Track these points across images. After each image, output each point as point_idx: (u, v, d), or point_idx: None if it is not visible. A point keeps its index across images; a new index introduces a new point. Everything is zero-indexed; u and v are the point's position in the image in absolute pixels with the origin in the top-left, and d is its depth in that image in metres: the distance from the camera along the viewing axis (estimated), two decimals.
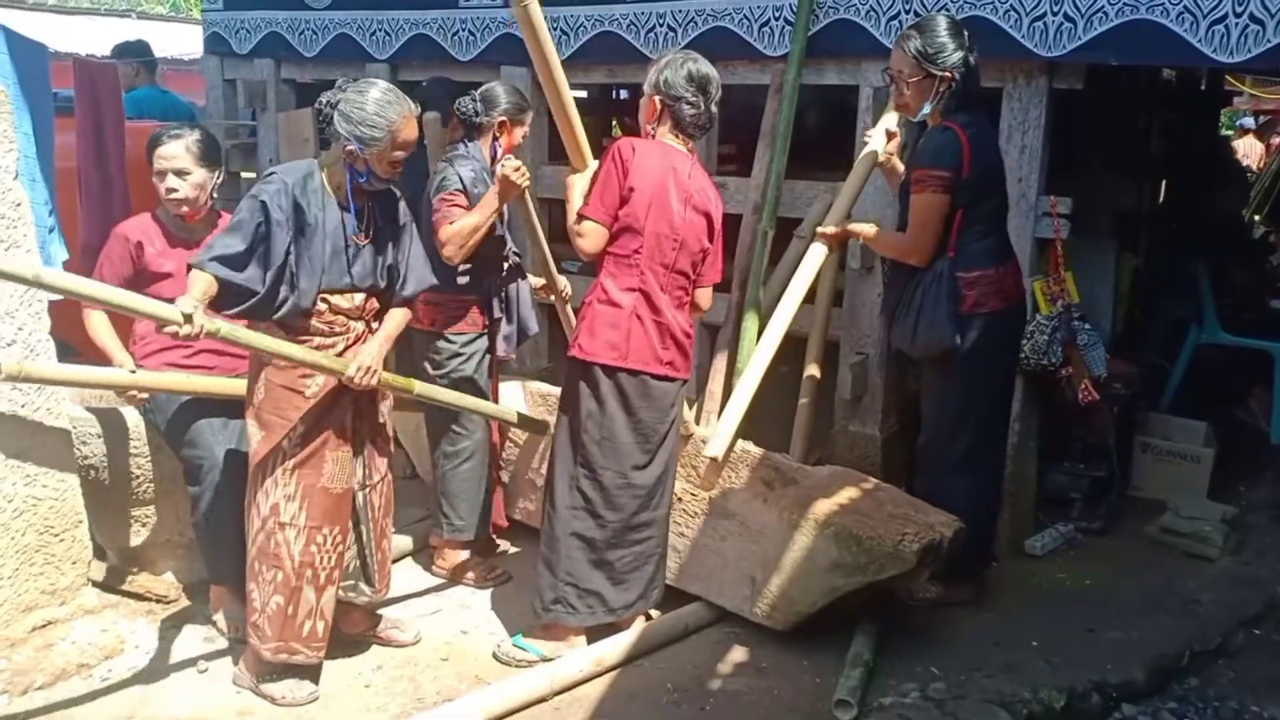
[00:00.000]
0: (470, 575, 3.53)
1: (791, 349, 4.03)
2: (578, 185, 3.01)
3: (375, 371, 2.73)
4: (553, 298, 3.65)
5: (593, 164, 3.04)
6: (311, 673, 2.86)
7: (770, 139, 3.92)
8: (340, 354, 2.76)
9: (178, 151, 3.07)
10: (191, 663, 2.98)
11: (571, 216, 2.97)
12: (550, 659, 3.00)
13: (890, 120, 3.38)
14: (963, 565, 3.29)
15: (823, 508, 3.09)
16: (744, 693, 2.86)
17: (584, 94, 6.57)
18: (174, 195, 3.08)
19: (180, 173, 3.07)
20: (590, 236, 2.89)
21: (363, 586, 2.97)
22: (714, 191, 3.03)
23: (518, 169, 3.15)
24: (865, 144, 3.41)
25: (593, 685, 2.91)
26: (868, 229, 3.34)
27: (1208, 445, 4.29)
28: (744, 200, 4.04)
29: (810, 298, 3.62)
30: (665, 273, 2.92)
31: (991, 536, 3.52)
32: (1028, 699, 2.84)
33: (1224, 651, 3.20)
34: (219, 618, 3.14)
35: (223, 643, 3.08)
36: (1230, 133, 11.28)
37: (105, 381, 2.93)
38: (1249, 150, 10.57)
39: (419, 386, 3.03)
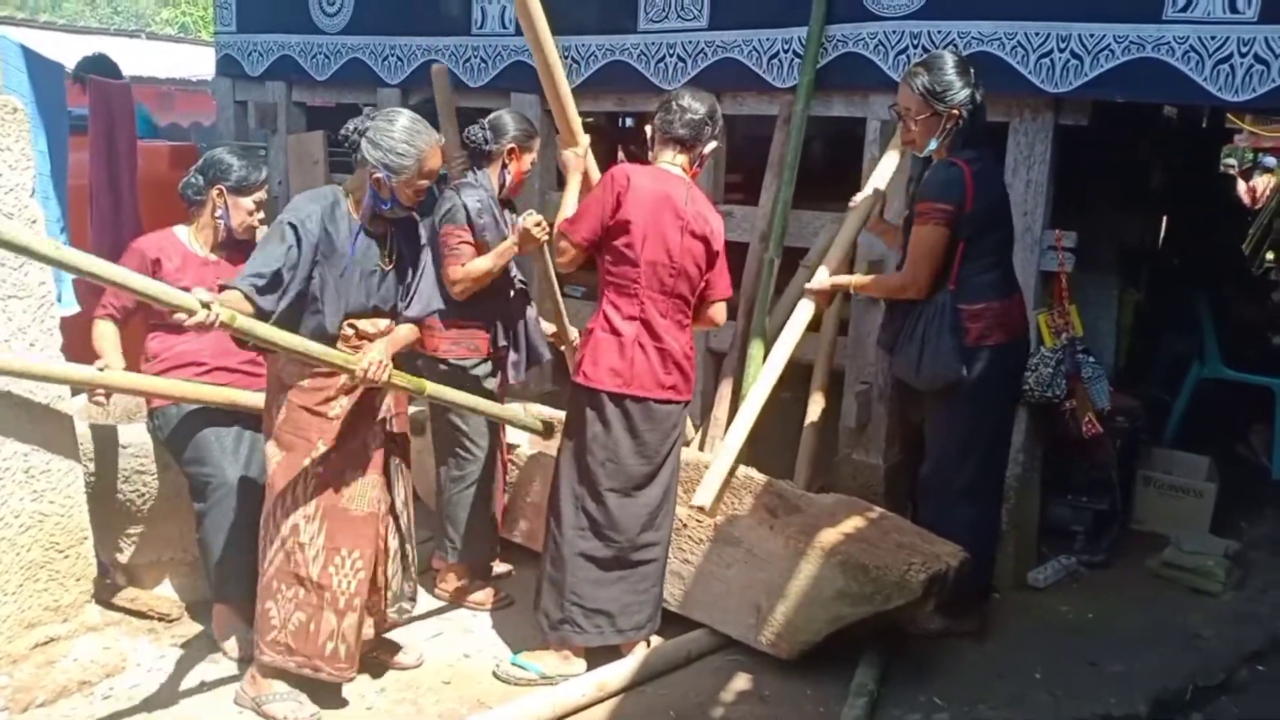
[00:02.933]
0: (473, 598, 3.53)
1: (796, 376, 4.06)
2: (571, 165, 3.14)
3: (386, 366, 2.71)
4: (563, 347, 3.69)
5: (584, 139, 3.14)
6: (315, 692, 2.84)
7: (778, 169, 3.96)
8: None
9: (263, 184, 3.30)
10: (193, 682, 2.97)
11: (561, 209, 3.05)
12: (550, 677, 3.01)
13: (881, 178, 3.44)
14: (966, 598, 3.29)
15: (829, 536, 3.09)
16: None
17: (590, 119, 6.63)
18: (257, 223, 3.26)
19: (260, 204, 3.25)
20: (565, 255, 2.98)
21: (405, 605, 3.01)
22: (713, 214, 3.06)
23: (539, 224, 3.22)
24: (851, 209, 3.47)
25: (594, 711, 2.90)
26: (859, 279, 3.40)
27: (1210, 480, 4.30)
28: (750, 229, 4.07)
29: (815, 326, 3.66)
30: (665, 299, 2.96)
31: (991, 567, 3.52)
32: None
33: (1227, 687, 3.18)
34: (223, 637, 3.13)
35: (226, 662, 3.08)
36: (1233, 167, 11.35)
37: (68, 376, 2.91)
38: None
39: (430, 387, 3.01)
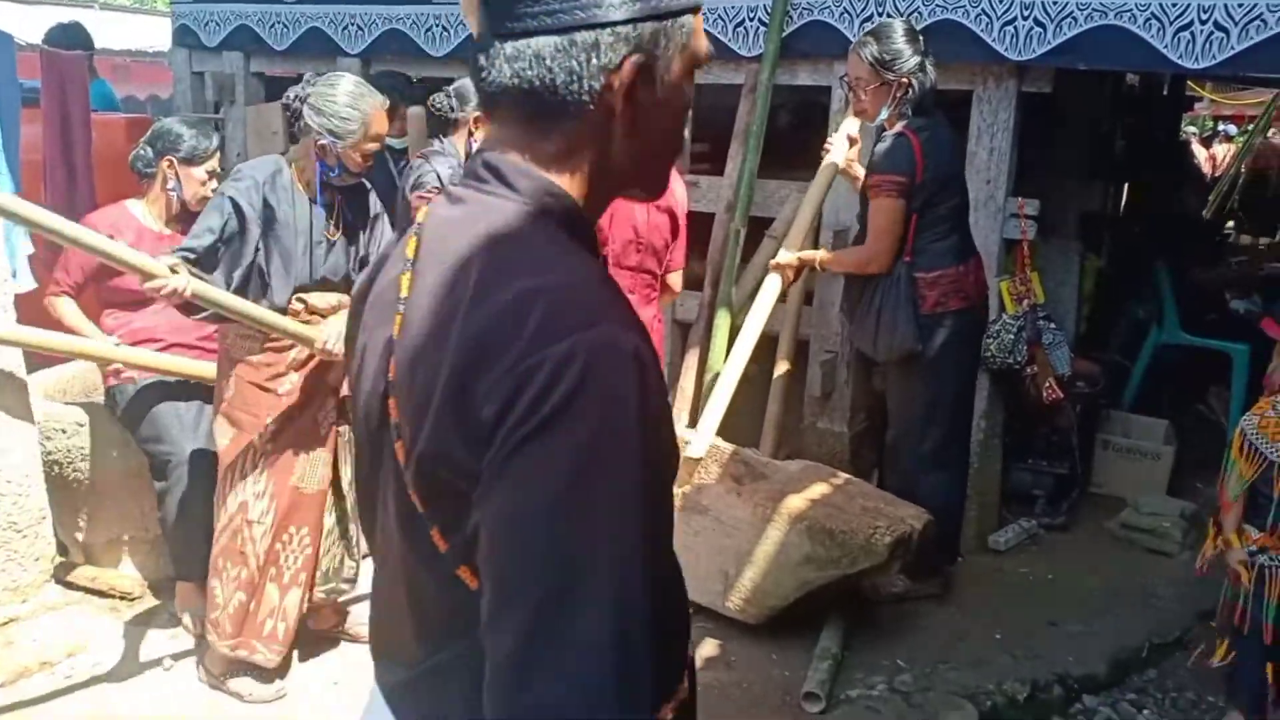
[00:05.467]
0: None
1: (762, 346, 4.07)
2: None
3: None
4: None
5: None
6: (279, 670, 2.84)
7: (743, 138, 3.95)
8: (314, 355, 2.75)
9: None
10: (156, 660, 2.96)
11: None
12: None
13: (851, 125, 3.43)
14: (930, 560, 3.33)
15: (795, 502, 3.12)
16: (714, 686, 2.88)
17: None
18: (210, 194, 3.12)
19: (213, 174, 3.14)
20: None
21: (343, 585, 2.97)
22: (678, 184, 3.04)
23: None
24: (826, 154, 3.45)
25: None
26: (824, 255, 3.40)
27: (1168, 443, 4.37)
28: (717, 199, 4.06)
29: (782, 296, 3.67)
30: (632, 274, 2.95)
31: (957, 532, 3.57)
32: (991, 691, 2.89)
33: (1182, 644, 3.27)
34: (184, 615, 3.11)
35: (188, 640, 3.06)
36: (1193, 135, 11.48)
37: (88, 351, 2.90)
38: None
39: None
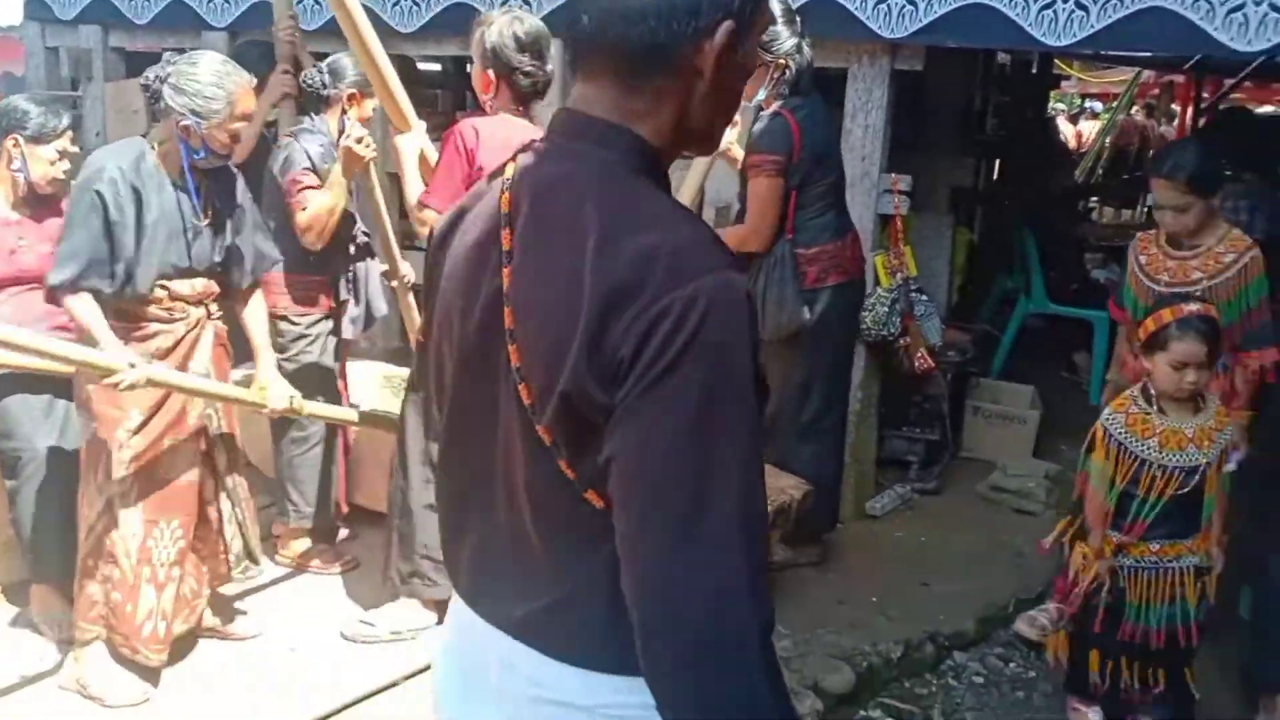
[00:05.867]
0: (316, 562, 3.45)
1: None
2: (406, 151, 2.95)
3: (293, 397, 2.85)
4: (394, 284, 3.57)
5: (418, 125, 2.98)
6: (149, 673, 2.74)
7: None
8: (180, 339, 2.66)
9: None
10: (13, 666, 2.82)
11: (407, 189, 2.91)
12: (401, 632, 2.98)
13: None
14: (809, 528, 3.42)
15: None
16: None
17: (438, 67, 6.45)
18: (61, 175, 2.95)
19: (63, 154, 2.93)
20: (433, 225, 2.84)
21: (251, 569, 2.93)
22: None
23: (361, 140, 3.06)
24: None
25: None
26: None
27: (1033, 408, 4.59)
28: None
29: None
30: None
31: (836, 500, 3.67)
32: (868, 652, 2.99)
33: (1044, 599, 3.43)
34: (42, 619, 2.97)
35: (47, 646, 2.92)
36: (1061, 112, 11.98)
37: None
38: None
39: (307, 408, 3.04)
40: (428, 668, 2.83)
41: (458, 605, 1.19)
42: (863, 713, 2.85)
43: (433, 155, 3.06)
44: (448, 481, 1.19)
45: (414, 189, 2.88)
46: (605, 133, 1.03)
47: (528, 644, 1.09)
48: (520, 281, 1.02)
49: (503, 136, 2.83)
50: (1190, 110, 8.67)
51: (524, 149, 1.11)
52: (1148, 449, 2.45)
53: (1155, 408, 2.48)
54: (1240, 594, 3.08)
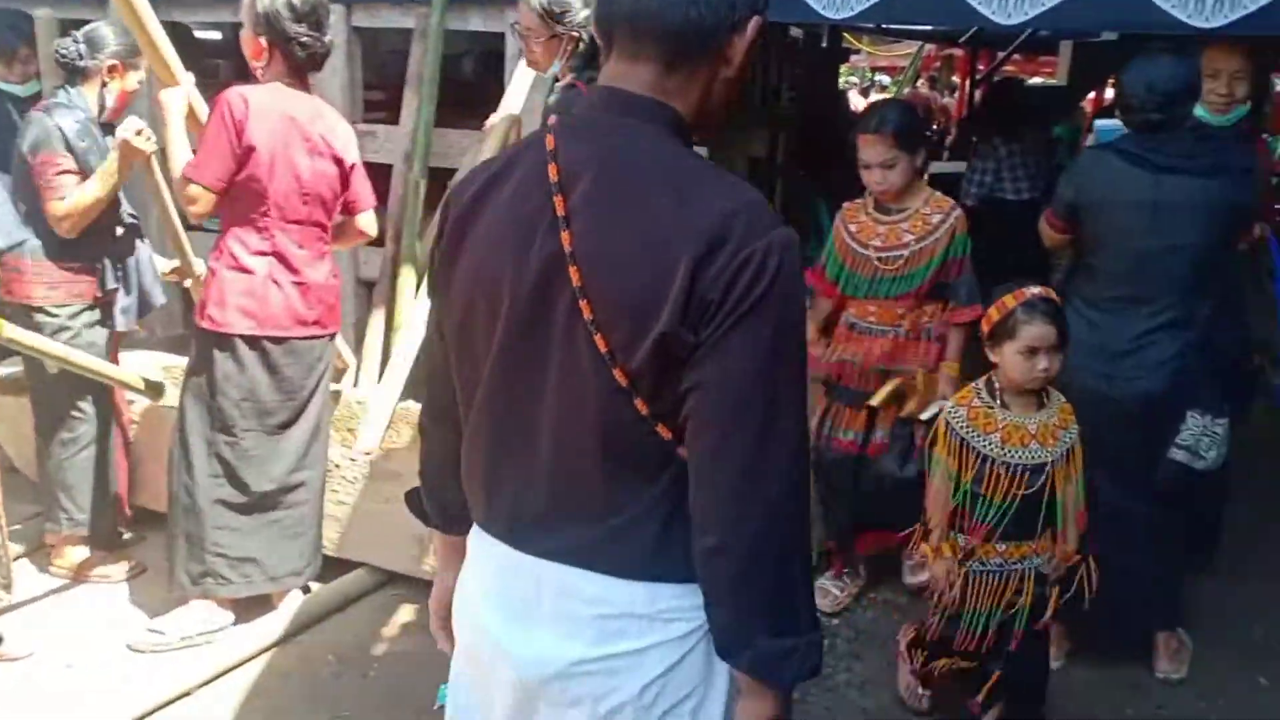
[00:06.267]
0: (97, 571, 3.18)
1: None
2: (172, 108, 2.76)
3: None
4: (187, 283, 3.34)
5: (186, 78, 2.79)
6: None
7: (417, 86, 3.80)
8: None
9: None
10: None
11: (172, 153, 2.72)
12: (192, 638, 2.82)
13: (515, 101, 3.41)
14: None
15: None
16: (413, 653, 2.83)
17: (218, 35, 6.03)
18: None
19: None
20: (201, 202, 2.66)
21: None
22: (341, 125, 2.88)
23: (140, 133, 2.83)
24: (487, 131, 3.42)
25: (246, 669, 2.75)
26: None
27: None
28: (395, 150, 3.90)
29: None
30: (300, 229, 2.77)
31: None
32: None
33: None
34: None
35: None
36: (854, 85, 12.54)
37: None
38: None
39: (6, 330, 2.65)
40: (225, 672, 2.69)
41: (495, 549, 1.28)
42: None
43: (203, 110, 2.87)
44: (483, 440, 1.26)
45: (180, 154, 2.70)
46: (653, 109, 1.17)
47: (588, 568, 1.20)
48: (590, 242, 1.12)
49: (276, 108, 2.68)
50: (968, 82, 9.23)
51: (560, 124, 1.19)
52: (990, 445, 2.30)
53: (999, 402, 2.33)
54: None
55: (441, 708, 2.57)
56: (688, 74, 1.17)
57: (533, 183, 1.17)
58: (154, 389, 3.26)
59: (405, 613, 3.03)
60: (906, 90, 10.72)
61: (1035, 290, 2.29)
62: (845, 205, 3.09)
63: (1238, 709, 2.69)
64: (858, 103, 10.76)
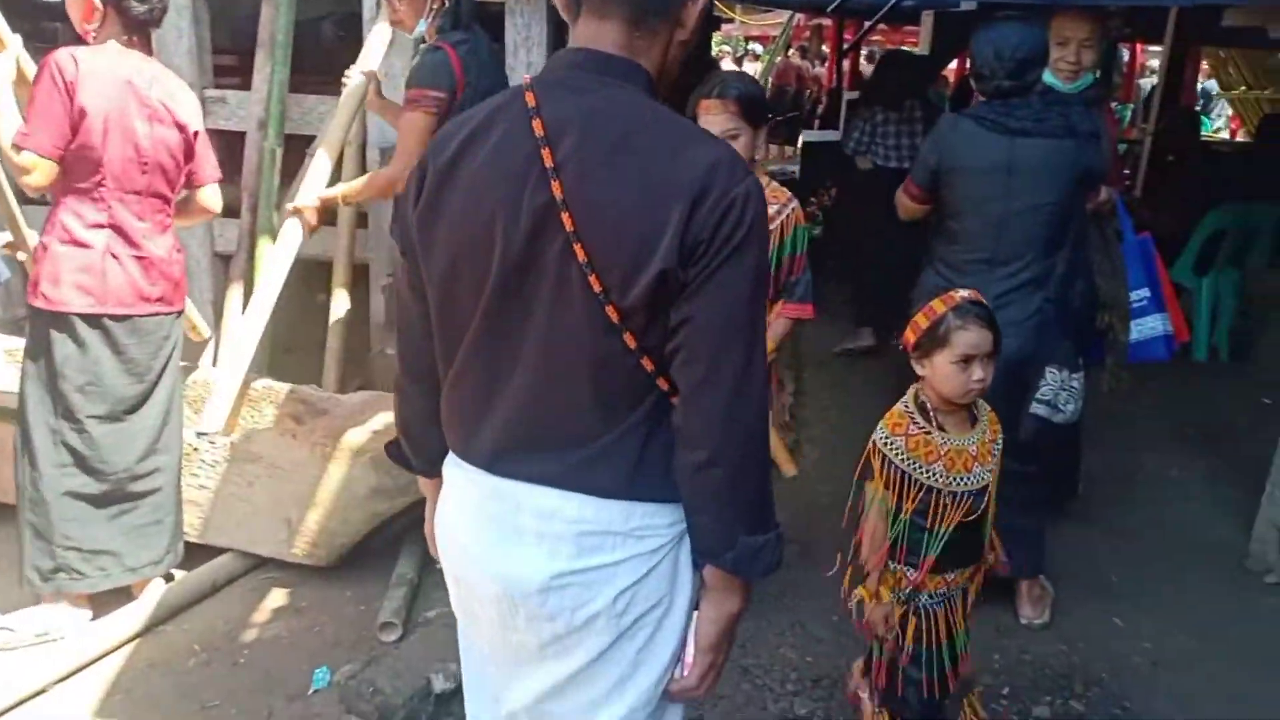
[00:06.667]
0: None
1: (318, 276, 3.86)
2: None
3: None
4: (21, 256, 3.09)
5: (13, 40, 2.58)
6: None
7: (269, 49, 3.62)
8: None
9: None
10: None
11: (1, 122, 2.51)
12: (47, 634, 2.66)
13: (374, 57, 3.28)
14: None
15: (358, 435, 3.01)
16: (283, 636, 2.73)
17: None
18: None
19: None
20: (38, 171, 2.46)
21: None
22: (184, 93, 2.71)
23: None
24: (345, 85, 3.28)
25: (107, 662, 2.60)
26: (350, 188, 3.23)
27: None
28: (248, 116, 3.71)
29: (331, 220, 3.47)
30: (139, 200, 2.60)
31: None
32: None
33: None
34: None
35: None
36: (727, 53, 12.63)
37: None
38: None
39: None
40: (83, 667, 2.55)
41: (476, 477, 1.37)
42: None
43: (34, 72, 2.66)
44: (470, 380, 1.35)
45: (8, 123, 2.49)
46: (627, 68, 1.27)
47: (571, 490, 1.30)
48: (581, 191, 1.21)
49: (111, 71, 2.51)
50: (834, 51, 9.41)
51: (538, 82, 1.27)
52: (934, 475, 2.05)
53: (935, 425, 2.09)
54: None
55: (318, 691, 2.50)
56: (650, 34, 1.28)
57: (516, 138, 1.25)
58: None
59: (276, 597, 2.92)
60: (778, 59, 10.86)
61: (964, 293, 2.10)
62: None
63: (1096, 650, 2.82)
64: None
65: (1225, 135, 11.79)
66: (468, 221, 1.28)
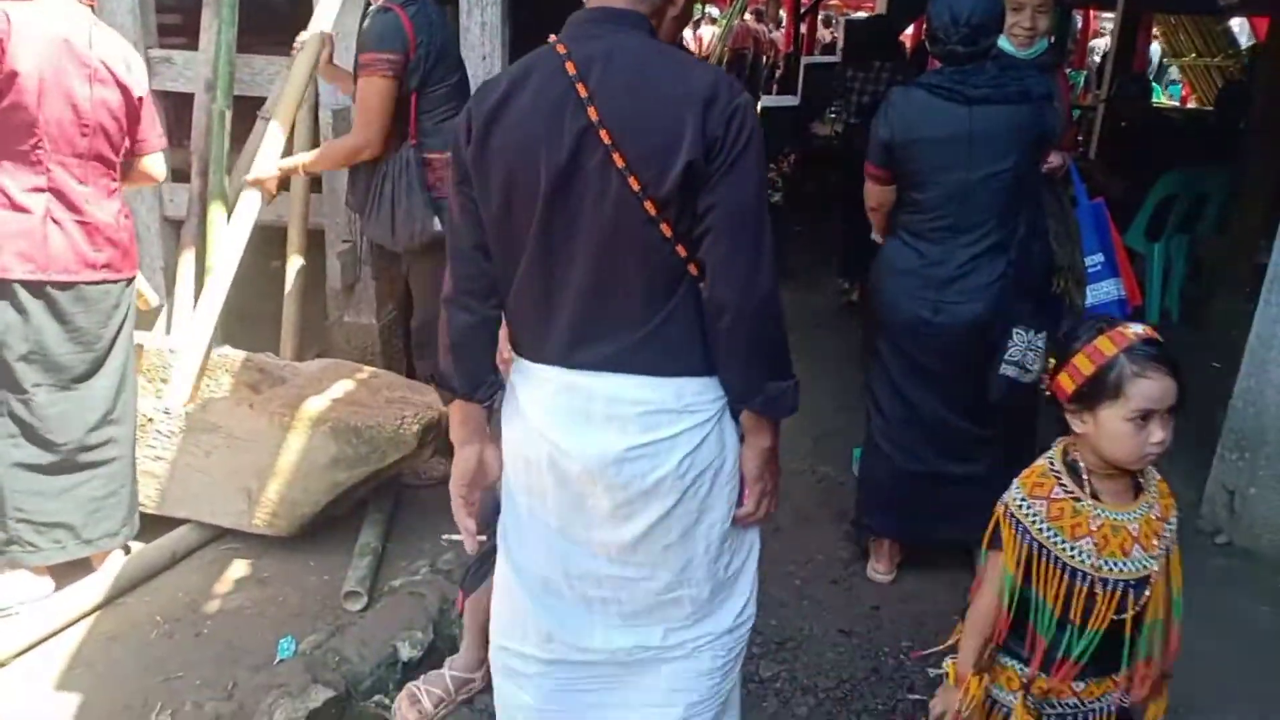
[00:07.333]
0: None
1: (273, 241, 3.78)
2: None
3: None
4: None
5: None
6: None
7: (215, 6, 3.51)
8: None
9: None
10: None
11: None
12: (7, 608, 2.62)
13: (325, 19, 3.20)
14: None
15: (316, 404, 2.97)
16: (246, 607, 2.71)
17: None
18: None
19: None
20: None
21: None
22: (129, 55, 2.63)
23: None
24: (296, 51, 3.21)
25: (67, 635, 2.56)
26: (309, 157, 3.17)
27: None
28: (196, 77, 3.61)
29: (285, 185, 3.40)
30: (81, 163, 2.52)
31: None
32: None
33: None
34: None
35: None
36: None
37: None
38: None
39: None
40: (42, 640, 2.51)
41: (550, 374, 1.62)
42: None
43: None
44: (533, 288, 1.60)
45: None
46: (637, 19, 1.58)
47: (629, 372, 1.58)
48: (613, 111, 1.49)
49: (44, 28, 2.41)
50: (791, 15, 9.37)
51: (565, 35, 1.56)
52: (1081, 554, 1.65)
53: (1089, 491, 1.69)
54: (852, 454, 3.49)
55: (283, 661, 2.48)
56: (652, 4, 1.59)
57: (551, 80, 1.52)
58: None
59: (238, 568, 2.89)
60: (736, 22, 10.79)
61: (1138, 329, 1.66)
62: None
63: None
64: (687, 35, 10.76)
65: (1176, 104, 11.95)
66: (517, 151, 1.53)
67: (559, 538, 1.70)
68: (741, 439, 1.68)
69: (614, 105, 1.49)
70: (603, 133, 1.48)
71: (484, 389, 1.68)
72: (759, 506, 1.72)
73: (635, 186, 1.49)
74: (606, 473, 1.60)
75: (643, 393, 1.58)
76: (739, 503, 1.70)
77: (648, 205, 1.50)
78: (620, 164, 1.48)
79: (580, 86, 1.50)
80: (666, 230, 1.52)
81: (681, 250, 1.54)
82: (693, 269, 1.55)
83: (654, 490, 1.61)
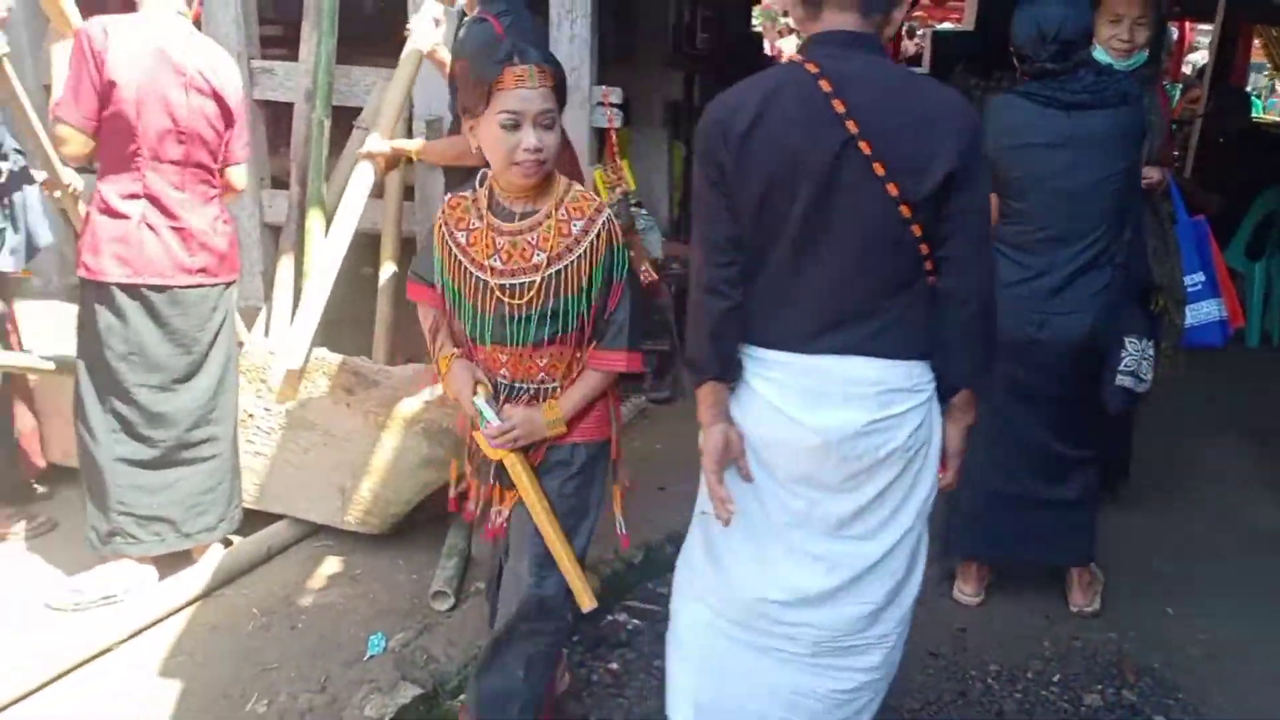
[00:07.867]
0: (2, 531, 3.04)
1: (367, 247, 3.88)
2: (57, 58, 2.58)
3: None
4: (58, 194, 3.14)
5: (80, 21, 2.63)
6: None
7: (315, 19, 3.62)
8: None
9: None
10: None
11: (54, 88, 2.56)
12: (114, 596, 2.72)
13: (434, 8, 3.27)
14: None
15: (409, 406, 3.04)
16: (338, 603, 2.78)
17: None
18: None
19: None
20: (72, 143, 2.53)
21: None
22: (224, 64, 2.73)
23: None
24: (407, 35, 3.28)
25: (169, 624, 2.67)
26: (419, 144, 3.26)
27: None
28: (295, 88, 3.73)
29: (380, 192, 3.49)
30: (177, 170, 2.63)
31: None
32: (611, 560, 3.06)
33: None
34: None
35: None
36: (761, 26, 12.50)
37: None
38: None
39: None
40: (147, 628, 2.61)
41: (790, 359, 1.79)
42: (610, 616, 2.92)
43: None
44: (785, 278, 1.77)
45: (57, 92, 2.55)
46: (873, 40, 1.74)
47: (871, 355, 1.76)
48: (873, 124, 1.67)
49: (142, 40, 2.53)
50: None
51: (813, 56, 1.72)
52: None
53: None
54: None
55: (373, 657, 2.54)
56: (875, 23, 1.74)
57: (805, 95, 1.69)
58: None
59: (330, 564, 2.97)
60: None
61: None
62: (449, 197, 2.06)
63: (1147, 639, 2.81)
64: (787, 48, 10.75)
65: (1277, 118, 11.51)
66: (776, 158, 1.69)
67: (782, 511, 1.86)
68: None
69: (873, 119, 1.66)
70: (863, 144, 1.66)
71: (735, 370, 1.82)
72: (956, 476, 1.96)
73: (894, 192, 1.67)
74: (843, 446, 1.78)
75: (882, 374, 1.77)
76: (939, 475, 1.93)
77: (903, 209, 1.68)
78: (880, 172, 1.66)
79: (838, 102, 1.66)
80: (916, 230, 1.70)
81: (924, 248, 1.73)
82: (929, 265, 1.74)
83: (885, 461, 1.80)
